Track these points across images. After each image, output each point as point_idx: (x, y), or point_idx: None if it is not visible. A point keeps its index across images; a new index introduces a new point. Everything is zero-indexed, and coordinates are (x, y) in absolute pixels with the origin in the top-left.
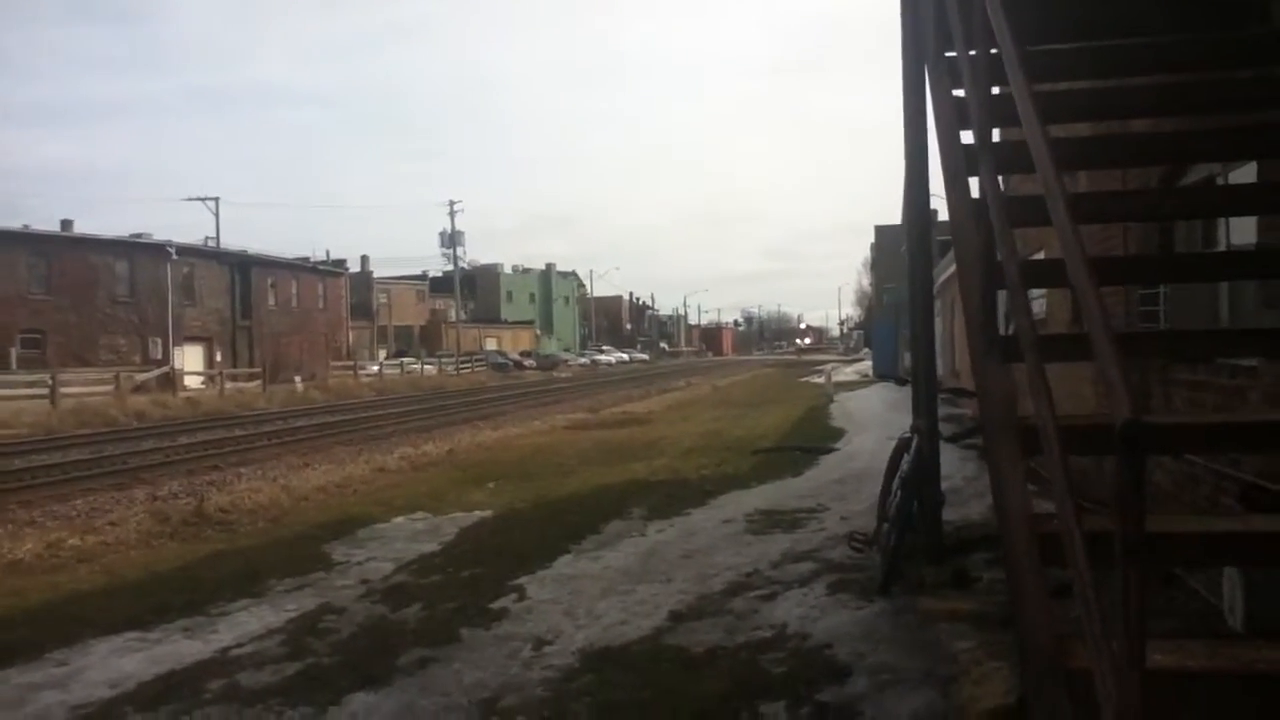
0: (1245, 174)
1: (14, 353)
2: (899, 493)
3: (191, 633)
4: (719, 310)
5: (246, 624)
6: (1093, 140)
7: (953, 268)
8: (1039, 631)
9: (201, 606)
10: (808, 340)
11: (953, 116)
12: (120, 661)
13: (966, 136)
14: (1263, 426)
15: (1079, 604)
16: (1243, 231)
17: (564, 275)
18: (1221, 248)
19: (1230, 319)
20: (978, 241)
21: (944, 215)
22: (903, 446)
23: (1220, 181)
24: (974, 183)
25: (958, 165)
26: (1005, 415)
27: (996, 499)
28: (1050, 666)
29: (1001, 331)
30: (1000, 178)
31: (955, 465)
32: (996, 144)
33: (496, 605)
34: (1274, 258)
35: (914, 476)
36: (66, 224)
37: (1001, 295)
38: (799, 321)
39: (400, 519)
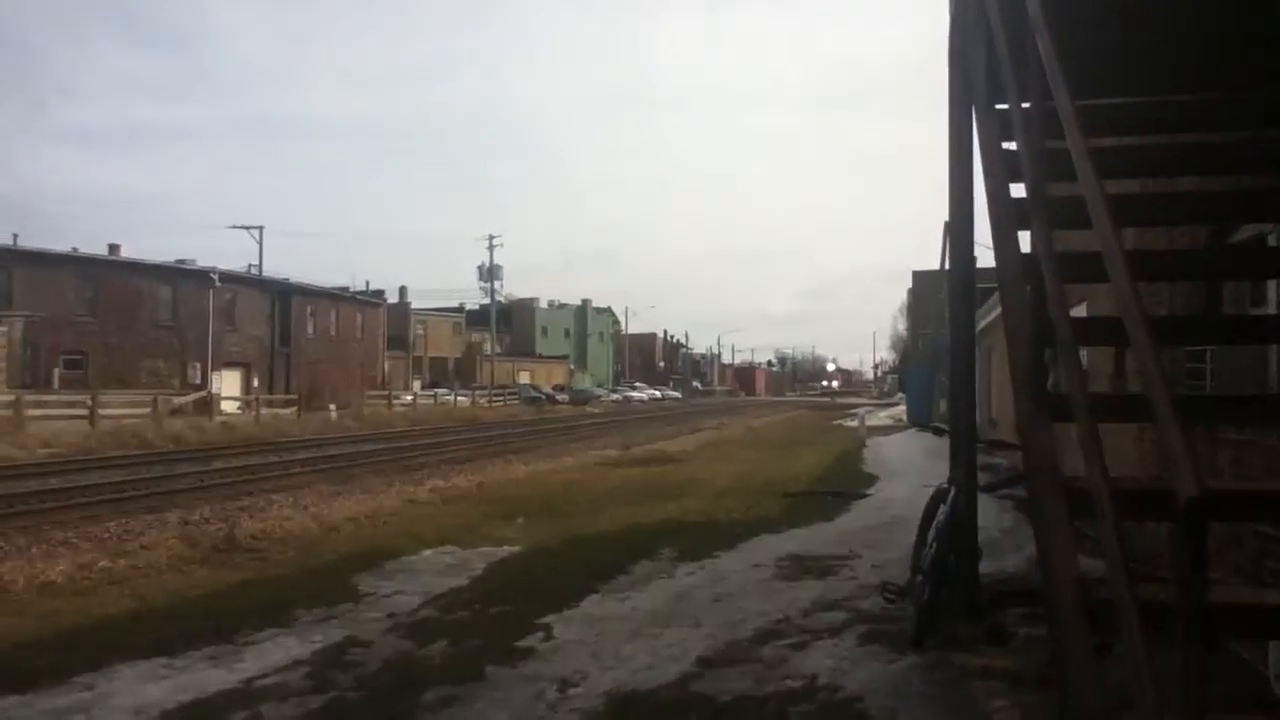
0: None
1: (57, 373)
2: (934, 545)
3: (217, 661)
4: (753, 350)
5: (272, 654)
6: (1142, 197)
7: (993, 313)
8: (1084, 700)
9: (228, 635)
10: (835, 383)
11: (1003, 168)
12: (146, 688)
13: (1016, 190)
14: None
15: (1131, 677)
16: None
17: (599, 311)
18: (1271, 308)
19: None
20: (1027, 297)
21: (984, 258)
22: (939, 497)
23: (1271, 241)
24: (1022, 237)
25: (1008, 218)
26: (1052, 476)
27: (1043, 561)
28: None
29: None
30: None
31: (992, 516)
32: (1049, 199)
33: (523, 644)
34: None
35: (950, 529)
36: (113, 248)
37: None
38: (832, 363)
39: (429, 552)
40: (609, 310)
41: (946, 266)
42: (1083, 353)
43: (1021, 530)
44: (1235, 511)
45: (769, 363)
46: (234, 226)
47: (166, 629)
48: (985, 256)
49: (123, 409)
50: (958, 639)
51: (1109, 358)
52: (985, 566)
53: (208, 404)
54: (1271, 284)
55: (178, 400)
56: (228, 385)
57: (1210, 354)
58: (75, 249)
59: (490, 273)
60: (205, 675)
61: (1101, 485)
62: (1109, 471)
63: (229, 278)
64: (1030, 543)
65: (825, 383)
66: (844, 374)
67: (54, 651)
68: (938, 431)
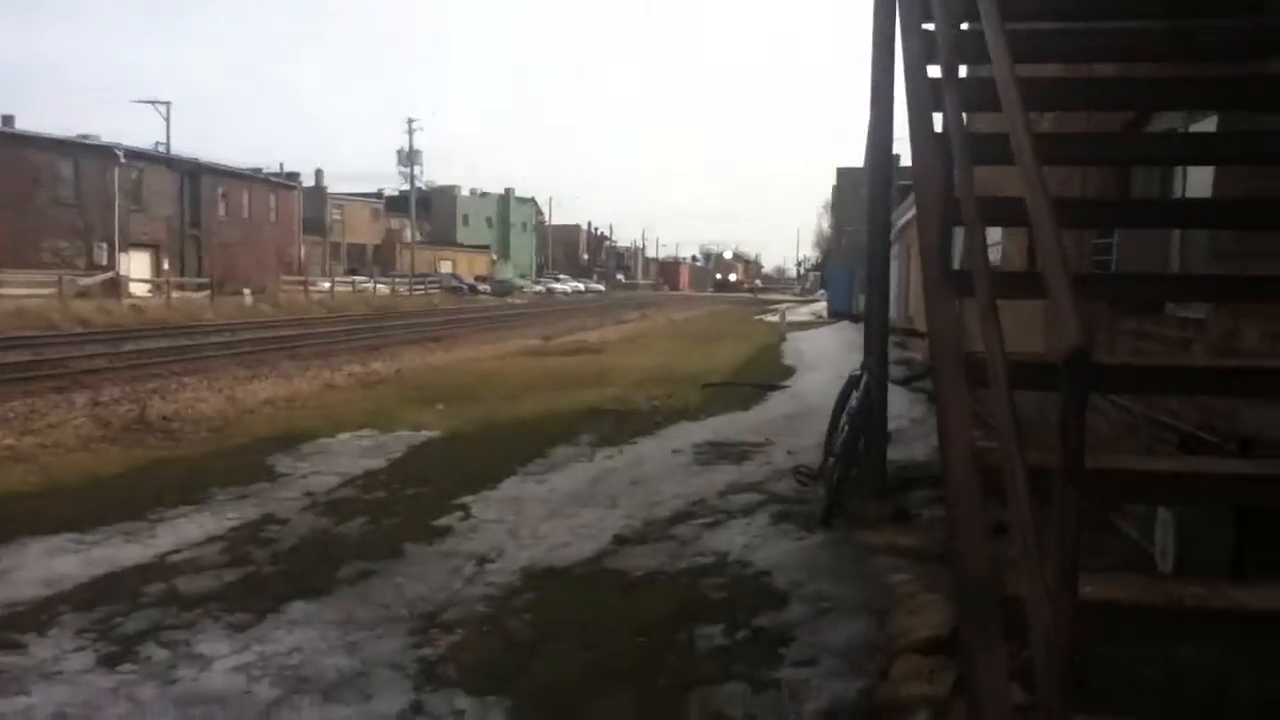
0: (1207, 126)
1: None
2: (845, 428)
3: (130, 537)
4: (677, 245)
5: (187, 531)
6: (1059, 82)
7: (911, 212)
8: (975, 559)
9: (141, 512)
10: (733, 276)
11: (920, 49)
12: (55, 563)
13: (934, 71)
14: (1204, 371)
15: (1016, 532)
16: (1199, 185)
17: (522, 201)
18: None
19: (1180, 270)
20: (938, 176)
21: (906, 159)
22: (852, 384)
23: (1181, 130)
24: (938, 120)
25: (923, 99)
26: (954, 347)
27: (941, 427)
28: (983, 592)
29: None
30: (965, 116)
31: (904, 407)
32: (962, 79)
33: (441, 522)
34: (1228, 209)
35: (862, 413)
36: (7, 119)
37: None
38: (730, 252)
39: (346, 435)
40: (532, 200)
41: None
42: (996, 246)
43: (931, 420)
44: (1120, 380)
45: (693, 258)
46: (140, 101)
47: (76, 506)
48: (907, 155)
49: (24, 289)
50: (865, 519)
51: (1024, 251)
52: (895, 453)
53: (116, 286)
54: (1179, 176)
55: (84, 281)
56: (136, 267)
57: (1116, 244)
58: None
59: (410, 157)
60: (118, 550)
61: (996, 350)
62: (1008, 348)
63: (135, 154)
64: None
65: (718, 275)
66: (739, 262)
67: None
68: (854, 319)
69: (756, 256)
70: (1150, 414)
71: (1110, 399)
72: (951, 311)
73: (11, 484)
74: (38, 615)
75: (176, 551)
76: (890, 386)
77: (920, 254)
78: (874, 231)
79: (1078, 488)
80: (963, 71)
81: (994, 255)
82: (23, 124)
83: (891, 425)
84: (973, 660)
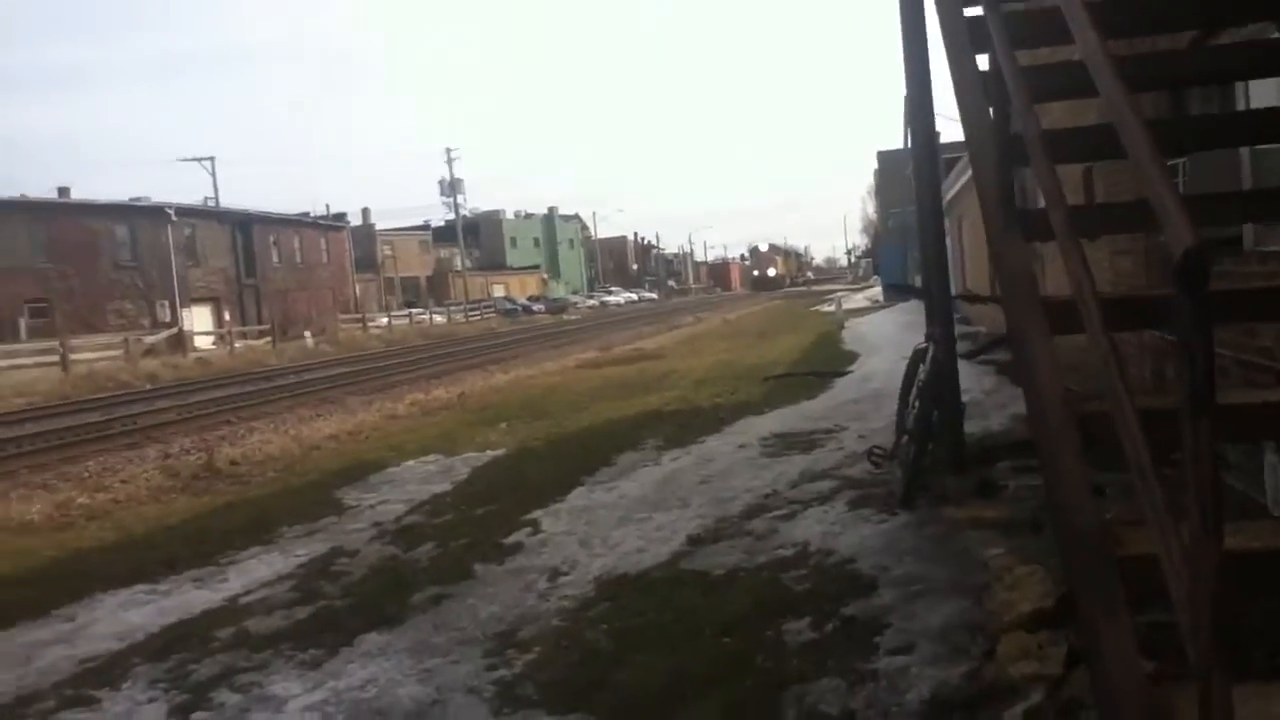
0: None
1: (23, 323)
2: (917, 404)
3: (201, 583)
4: (725, 247)
5: (256, 571)
6: (1106, 5)
7: (959, 185)
8: (1084, 517)
9: (211, 557)
10: (772, 271)
11: None
12: (128, 615)
13: (970, 12)
14: None
15: (1137, 481)
16: (1263, 97)
17: (566, 218)
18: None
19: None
20: (989, 115)
21: (945, 136)
22: (918, 357)
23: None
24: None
25: (961, 38)
26: (1031, 291)
27: (1026, 381)
28: (1098, 554)
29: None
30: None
31: (972, 380)
32: (1008, 13)
33: (510, 540)
34: None
35: (932, 385)
36: (63, 190)
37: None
38: (806, 254)
39: (412, 462)
40: (576, 216)
41: (909, 142)
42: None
43: (1004, 390)
44: (1232, 308)
45: (742, 257)
46: (185, 159)
47: (148, 556)
48: (948, 132)
49: (95, 352)
50: (947, 495)
51: (1074, 187)
52: (971, 426)
53: (180, 341)
54: (1240, 93)
55: (149, 339)
56: (199, 321)
57: (1183, 168)
58: (24, 195)
59: (453, 186)
60: (189, 597)
61: (1086, 286)
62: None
63: (186, 211)
64: (1014, 402)
65: (755, 272)
66: (784, 256)
67: (32, 587)
68: (911, 290)
69: (806, 249)
70: (1238, 355)
71: None
72: (1024, 255)
73: (85, 540)
74: (111, 669)
75: (247, 593)
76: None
77: (980, 201)
78: (924, 197)
79: (1211, 421)
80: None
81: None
82: (77, 193)
83: (964, 399)
84: (1095, 630)
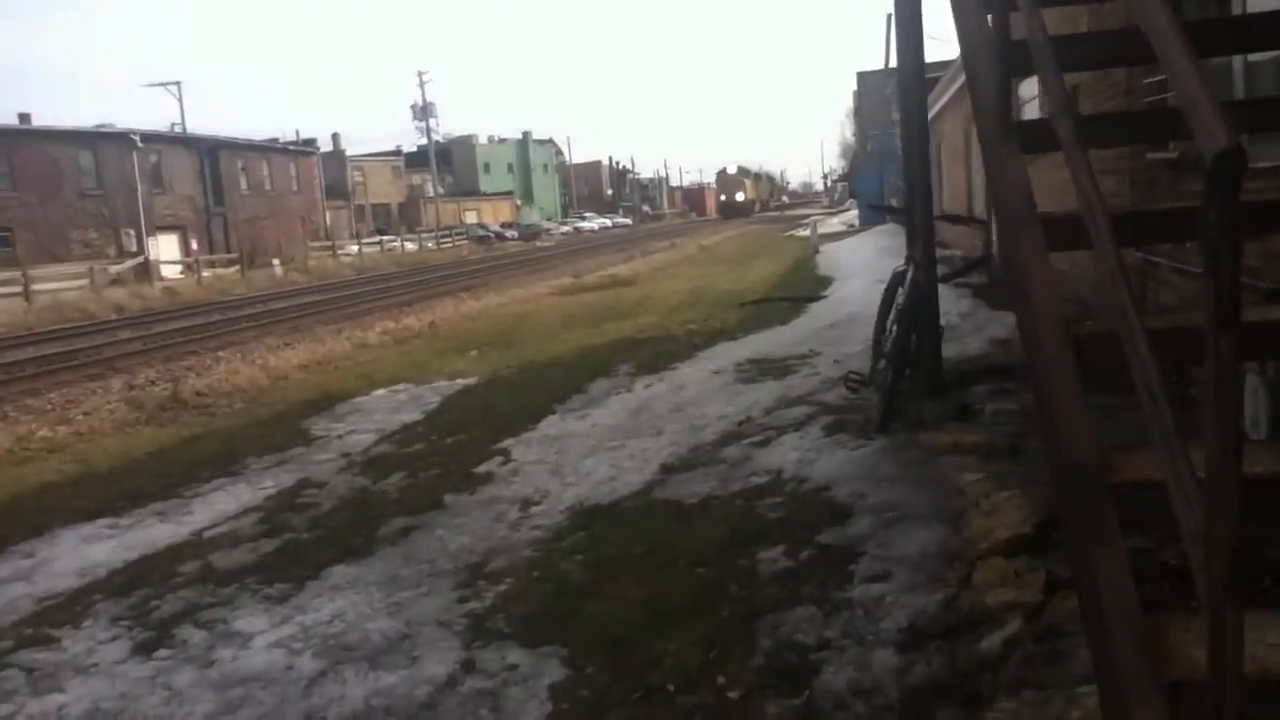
0: None
1: None
2: (895, 327)
3: (165, 516)
4: (701, 171)
5: (222, 504)
6: None
7: (936, 106)
8: (1079, 442)
9: (176, 490)
10: (740, 195)
11: None
12: (89, 550)
13: None
14: None
15: (1145, 403)
16: (1260, 2)
17: (541, 143)
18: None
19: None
20: (986, 22)
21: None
22: (897, 280)
23: None
24: None
25: None
26: (1028, 206)
27: (1019, 300)
28: (1093, 480)
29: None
30: None
31: (950, 303)
32: None
33: (481, 469)
34: None
35: (911, 308)
36: (24, 117)
37: None
38: (782, 178)
39: (382, 391)
40: (551, 141)
41: (892, 63)
42: (1035, 98)
43: (980, 313)
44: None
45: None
46: (151, 85)
47: (111, 490)
48: (929, 51)
49: (59, 282)
50: (924, 420)
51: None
52: (947, 351)
53: (147, 270)
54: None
55: (115, 269)
56: (165, 250)
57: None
58: None
59: (425, 110)
60: (153, 531)
61: (1094, 198)
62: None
63: (151, 138)
64: (991, 324)
65: (723, 196)
66: (753, 179)
67: None
68: (891, 211)
69: (782, 173)
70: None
71: (1176, 266)
72: (1021, 168)
73: (46, 475)
74: (71, 607)
75: (212, 526)
76: None
77: (975, 112)
78: (910, 116)
79: (1235, 337)
80: None
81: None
82: (39, 121)
83: (940, 321)
84: (1087, 559)
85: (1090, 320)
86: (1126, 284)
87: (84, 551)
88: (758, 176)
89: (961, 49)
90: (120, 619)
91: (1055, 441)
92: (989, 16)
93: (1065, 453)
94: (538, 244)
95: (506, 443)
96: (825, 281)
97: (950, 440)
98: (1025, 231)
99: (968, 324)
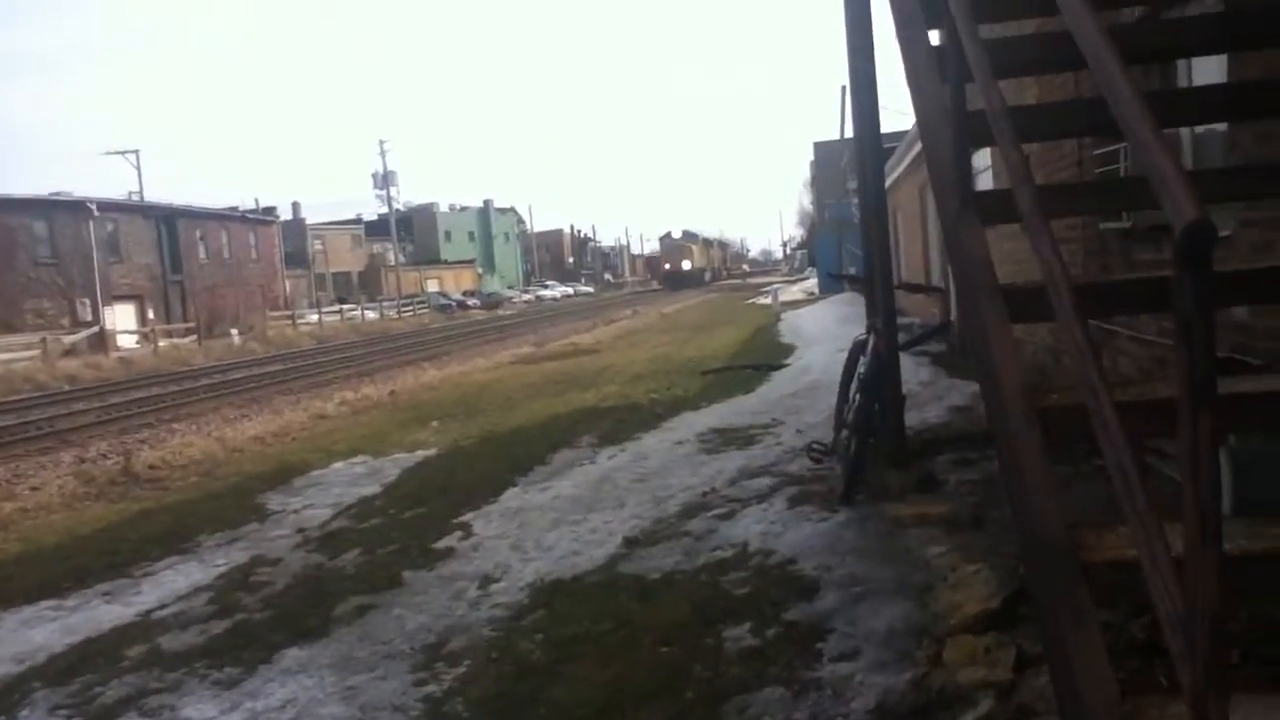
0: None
1: None
2: (858, 397)
3: (112, 597)
4: (661, 240)
5: (172, 583)
6: None
7: (892, 176)
8: (1048, 518)
9: (124, 568)
10: (686, 264)
11: None
12: (31, 634)
13: None
14: None
15: (1117, 481)
16: (1206, 74)
17: (502, 211)
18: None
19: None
20: (944, 92)
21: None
22: (858, 349)
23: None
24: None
25: (913, 12)
26: (989, 277)
27: (983, 373)
28: (1065, 558)
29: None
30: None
31: (909, 371)
32: None
33: (440, 545)
34: (1251, 94)
35: (873, 378)
36: None
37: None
38: (742, 246)
39: (339, 464)
40: (512, 210)
41: (847, 133)
42: (988, 168)
43: (940, 381)
44: (1234, 290)
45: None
46: (109, 153)
47: (56, 569)
48: (885, 121)
49: (10, 353)
50: (888, 490)
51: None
52: (909, 419)
53: (102, 340)
54: (1182, 70)
55: (69, 339)
56: (121, 319)
57: (1125, 150)
58: None
59: (385, 179)
60: (98, 613)
61: (1057, 270)
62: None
63: (108, 206)
64: (951, 393)
65: (667, 265)
66: (703, 246)
67: None
68: (850, 280)
69: (742, 241)
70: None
71: (1132, 334)
72: (980, 239)
73: None
74: (8, 695)
75: (161, 607)
76: None
77: (934, 183)
78: (868, 186)
79: (1211, 410)
80: None
81: (984, 182)
82: None
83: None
84: (1061, 641)
85: (1049, 388)
86: (1094, 357)
87: (24, 635)
88: (708, 242)
89: (918, 120)
90: (59, 708)
91: (1024, 518)
92: (945, 87)
93: (1034, 530)
94: (500, 312)
95: (467, 516)
96: (787, 349)
97: (915, 512)
98: (987, 303)
99: (928, 392)
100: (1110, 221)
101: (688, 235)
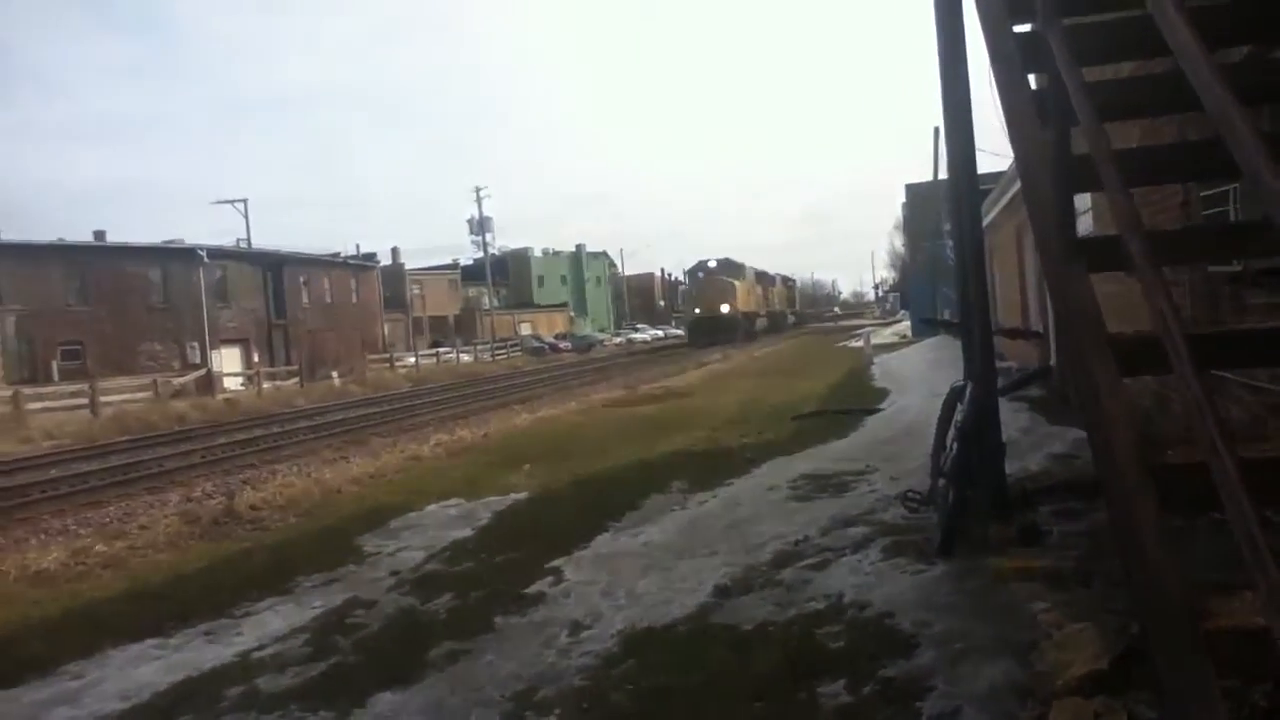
0: None
1: (55, 365)
2: (955, 445)
3: (213, 636)
4: None
5: (270, 624)
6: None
7: (987, 219)
8: (1164, 582)
9: (225, 608)
10: (725, 307)
11: (1001, 5)
12: (136, 671)
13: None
14: None
15: (1243, 545)
16: None
17: (594, 256)
18: None
19: None
20: (1046, 136)
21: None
22: (955, 396)
23: None
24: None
25: (1012, 56)
26: (1096, 327)
27: (1092, 423)
28: (1188, 625)
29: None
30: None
31: (1007, 418)
32: (1069, 26)
33: (532, 590)
34: None
35: (971, 426)
36: (99, 235)
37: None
38: (834, 288)
39: (433, 506)
40: (604, 254)
41: (940, 175)
42: (1088, 210)
43: (1040, 428)
44: None
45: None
46: (218, 202)
47: (161, 608)
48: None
49: (124, 395)
50: (988, 542)
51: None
52: (1008, 468)
53: (209, 382)
54: None
55: (178, 381)
56: (228, 362)
57: (1234, 193)
58: (61, 239)
59: (481, 225)
60: (199, 652)
61: (1172, 320)
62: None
63: (217, 253)
64: (1051, 440)
65: (697, 310)
66: (754, 285)
67: (42, 641)
68: (946, 326)
69: (834, 282)
70: None
71: (1245, 380)
72: (1086, 289)
73: (99, 591)
74: None
75: (260, 648)
76: None
77: (1035, 230)
78: (964, 230)
79: None
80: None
81: (1084, 225)
82: (113, 237)
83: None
84: (1182, 714)
85: (1164, 442)
86: (1214, 413)
87: (130, 673)
88: (764, 277)
89: (1018, 164)
90: None
91: (1140, 580)
92: (1046, 131)
93: (1152, 593)
94: (591, 355)
95: (558, 561)
96: (880, 394)
97: (1017, 565)
98: (1095, 356)
99: (1028, 439)
100: (1219, 265)
101: (725, 265)
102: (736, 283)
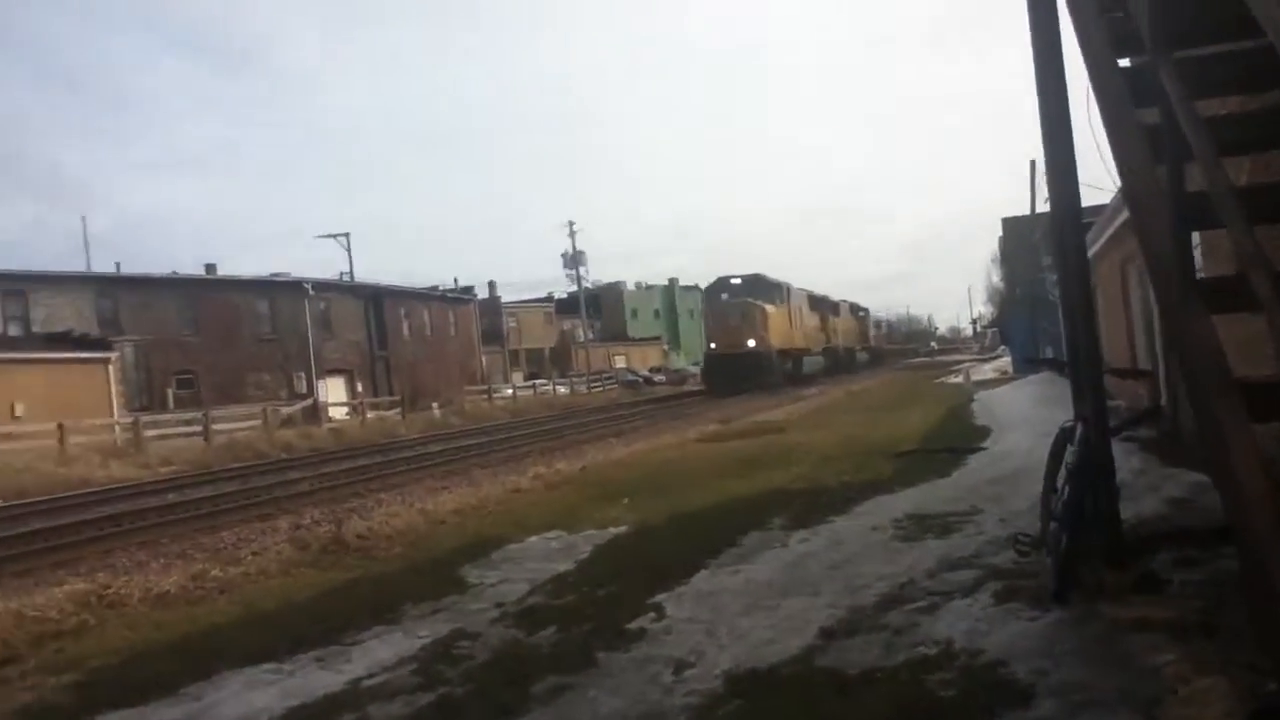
0: None
1: (170, 393)
2: (1067, 487)
3: (324, 663)
4: None
5: (379, 653)
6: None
7: (1094, 249)
8: None
9: (335, 636)
10: (751, 343)
11: (1104, 39)
12: (252, 695)
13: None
14: None
15: None
16: None
17: (687, 289)
18: None
19: None
20: (1159, 173)
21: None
22: (1065, 437)
23: None
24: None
25: (1120, 92)
26: (1220, 370)
27: (1219, 471)
28: None
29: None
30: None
31: (1119, 459)
32: (1180, 60)
33: (633, 625)
34: None
35: (1083, 467)
36: (210, 267)
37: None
38: (930, 323)
39: (534, 538)
40: (697, 287)
41: (1036, 208)
42: (1196, 246)
43: (1154, 471)
44: None
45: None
46: (321, 235)
47: (274, 634)
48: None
49: (235, 423)
50: (1104, 589)
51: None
52: (1122, 511)
53: (316, 411)
54: None
55: (286, 410)
56: (332, 392)
57: None
58: (175, 272)
59: (575, 259)
60: (312, 679)
61: None
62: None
63: (322, 286)
64: (1167, 483)
65: (712, 343)
66: (787, 306)
67: (165, 662)
68: (1053, 365)
69: (929, 317)
70: None
71: None
72: (1209, 330)
73: (216, 615)
74: None
75: (369, 676)
76: None
77: (1149, 268)
78: (1070, 267)
79: None
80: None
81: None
82: (223, 270)
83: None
84: None
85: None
86: None
87: (246, 697)
88: (820, 301)
89: (1129, 201)
90: None
91: (1276, 636)
92: (1159, 167)
93: None
94: (686, 388)
95: (659, 597)
96: (983, 432)
97: (1136, 615)
98: (1222, 400)
99: (1141, 482)
100: None
101: (754, 284)
102: (769, 308)
